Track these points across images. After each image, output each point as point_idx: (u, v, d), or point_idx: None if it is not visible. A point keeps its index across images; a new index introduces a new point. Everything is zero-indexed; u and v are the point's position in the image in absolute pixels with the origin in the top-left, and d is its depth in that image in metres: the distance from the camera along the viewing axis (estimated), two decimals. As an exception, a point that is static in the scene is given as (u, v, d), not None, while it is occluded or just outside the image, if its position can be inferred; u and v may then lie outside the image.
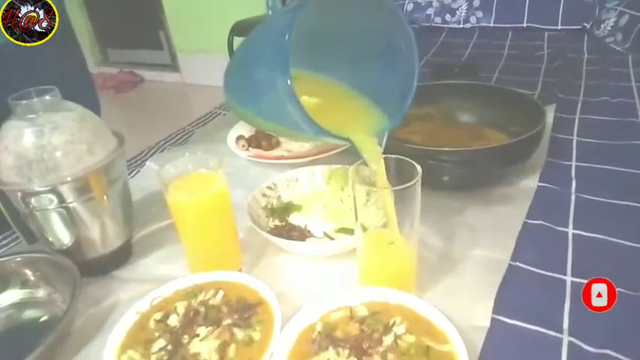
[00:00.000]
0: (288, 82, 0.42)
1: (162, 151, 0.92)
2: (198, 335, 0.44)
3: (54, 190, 0.51)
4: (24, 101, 0.50)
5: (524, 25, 1.45)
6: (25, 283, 0.56)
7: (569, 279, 0.51)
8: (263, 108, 0.52)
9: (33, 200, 0.51)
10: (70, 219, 0.54)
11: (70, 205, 0.52)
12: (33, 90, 0.52)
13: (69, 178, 0.51)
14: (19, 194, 0.51)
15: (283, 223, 0.65)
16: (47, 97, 0.51)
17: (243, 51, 0.56)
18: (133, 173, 0.83)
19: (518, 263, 0.54)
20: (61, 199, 0.52)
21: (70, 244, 0.56)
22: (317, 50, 0.53)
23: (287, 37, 0.41)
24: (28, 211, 0.53)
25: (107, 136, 0.56)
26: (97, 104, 0.78)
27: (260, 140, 0.85)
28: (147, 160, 0.87)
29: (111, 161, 0.54)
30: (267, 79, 0.47)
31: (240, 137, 0.87)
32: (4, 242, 0.67)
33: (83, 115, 0.54)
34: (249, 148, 0.85)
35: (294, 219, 0.65)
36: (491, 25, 1.49)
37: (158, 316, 0.47)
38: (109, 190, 0.56)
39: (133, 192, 0.63)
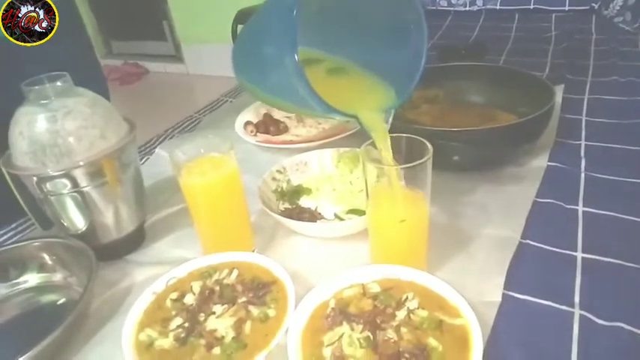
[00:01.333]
0: (296, 58, 0.42)
1: (171, 138, 0.93)
2: (214, 313, 0.45)
3: (68, 175, 0.52)
4: (36, 87, 0.51)
5: (532, 6, 1.43)
6: (42, 267, 0.57)
7: (579, 255, 0.52)
8: (271, 84, 0.53)
9: (48, 185, 0.52)
10: (85, 203, 0.54)
11: (84, 190, 0.53)
12: (45, 76, 0.52)
13: (82, 163, 0.51)
14: (35, 179, 0.52)
15: (294, 206, 0.65)
16: (59, 83, 0.52)
17: (251, 27, 0.56)
18: (143, 160, 0.84)
19: (528, 241, 0.54)
20: (75, 184, 0.53)
21: (84, 229, 0.56)
22: (326, 28, 0.53)
23: (295, 12, 0.41)
24: (43, 196, 0.53)
25: (118, 121, 0.57)
26: (106, 91, 0.78)
27: (268, 125, 0.85)
28: (156, 147, 0.88)
29: (123, 146, 0.55)
30: (276, 56, 0.47)
31: (248, 123, 0.87)
32: (19, 229, 0.68)
33: (94, 101, 0.54)
34: (258, 134, 0.85)
35: (304, 202, 0.66)
36: (498, 7, 1.48)
37: (174, 295, 0.48)
38: (122, 175, 0.56)
39: (144, 179, 0.63)
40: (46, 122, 0.50)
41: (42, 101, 0.51)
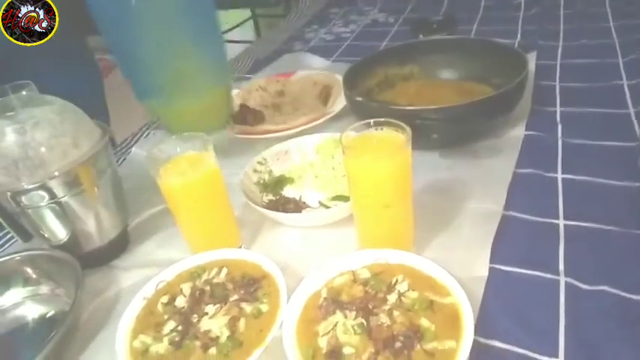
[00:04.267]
0: None
1: (146, 136, 0.91)
2: (207, 313, 0.45)
3: (44, 187, 0.50)
4: (0, 99, 0.49)
5: (499, -27, 1.42)
6: (27, 281, 0.56)
7: (561, 222, 0.53)
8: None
9: (24, 199, 0.51)
10: (64, 214, 0.53)
11: (62, 200, 0.52)
12: (8, 86, 0.50)
13: (57, 173, 0.50)
14: (9, 194, 0.50)
15: (277, 197, 0.65)
16: (23, 93, 0.50)
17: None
18: (120, 161, 0.82)
19: (511, 212, 0.55)
20: (52, 195, 0.51)
21: (66, 239, 0.55)
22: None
23: None
24: (20, 209, 0.52)
25: (90, 126, 0.55)
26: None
27: (245, 115, 0.84)
28: (132, 146, 0.86)
29: (97, 151, 0.53)
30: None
31: (224, 115, 0.85)
32: (-1, 243, 0.66)
33: (63, 108, 0.53)
34: (235, 125, 0.84)
35: (287, 192, 0.66)
36: (466, -24, 1.47)
37: (165, 299, 0.47)
38: (99, 181, 0.55)
39: (122, 180, 0.62)
40: (14, 135, 0.49)
41: (8, 113, 0.49)
